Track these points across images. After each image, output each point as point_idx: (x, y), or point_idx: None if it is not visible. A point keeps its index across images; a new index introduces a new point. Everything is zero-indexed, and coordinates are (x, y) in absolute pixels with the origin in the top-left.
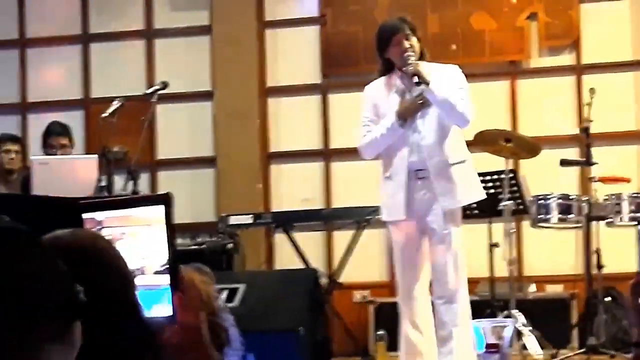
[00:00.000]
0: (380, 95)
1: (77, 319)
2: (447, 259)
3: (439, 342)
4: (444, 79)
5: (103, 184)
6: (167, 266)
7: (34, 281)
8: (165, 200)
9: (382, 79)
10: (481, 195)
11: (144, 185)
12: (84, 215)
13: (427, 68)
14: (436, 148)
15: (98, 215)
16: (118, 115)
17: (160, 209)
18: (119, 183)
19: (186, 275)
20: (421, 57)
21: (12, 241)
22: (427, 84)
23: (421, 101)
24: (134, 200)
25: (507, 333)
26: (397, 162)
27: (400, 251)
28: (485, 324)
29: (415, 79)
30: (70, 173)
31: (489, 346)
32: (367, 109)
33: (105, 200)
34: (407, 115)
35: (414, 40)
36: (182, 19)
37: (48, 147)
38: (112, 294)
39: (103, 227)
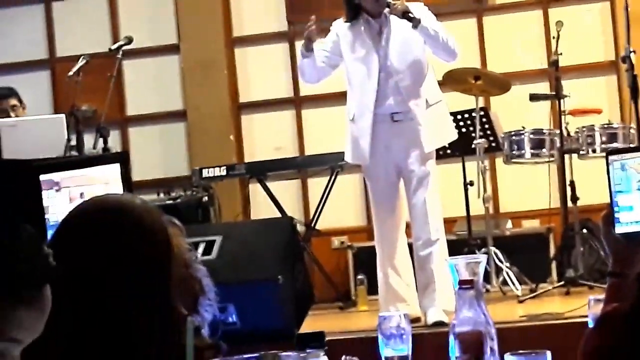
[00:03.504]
0: (346, 36)
1: (46, 283)
2: (427, 199)
3: (420, 283)
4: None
5: (72, 143)
6: None
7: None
8: (122, 158)
9: (350, 23)
10: (454, 135)
11: (114, 142)
12: (41, 177)
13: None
14: (414, 89)
15: (55, 176)
16: (84, 73)
17: (117, 167)
18: (89, 142)
19: None
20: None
21: None
22: (419, 20)
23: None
24: (91, 160)
25: (481, 268)
26: (362, 106)
27: (376, 195)
28: (459, 260)
29: (409, 15)
30: (39, 134)
31: (462, 282)
32: (328, 38)
33: (62, 161)
34: (304, 45)
35: None
36: None
37: (0, 112)
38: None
39: (61, 188)
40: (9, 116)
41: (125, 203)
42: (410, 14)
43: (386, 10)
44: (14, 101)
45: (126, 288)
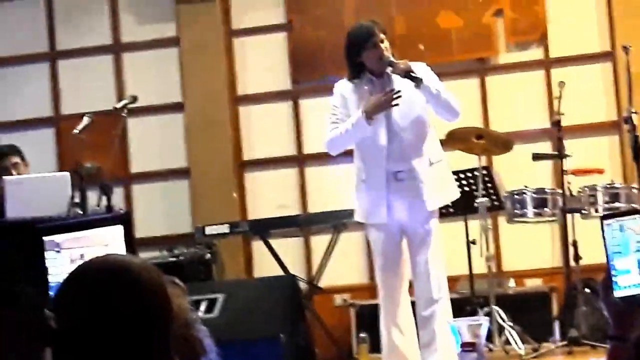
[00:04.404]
0: (351, 95)
1: (46, 346)
2: (429, 258)
3: (422, 342)
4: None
5: (76, 200)
6: None
7: (5, 308)
8: (124, 219)
9: (353, 82)
10: (457, 194)
11: (118, 199)
12: (44, 238)
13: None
14: (417, 148)
15: (56, 238)
16: (89, 131)
17: (119, 228)
18: (93, 199)
19: None
20: None
21: None
22: (421, 80)
23: (388, 99)
24: (94, 221)
25: (483, 331)
26: (373, 165)
27: (380, 253)
28: (461, 322)
29: (412, 75)
30: (43, 191)
31: (465, 345)
32: (336, 104)
33: (65, 223)
34: (374, 111)
35: (387, 43)
36: (149, 32)
37: (2, 170)
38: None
39: (62, 249)
40: (11, 174)
41: (124, 263)
42: (412, 74)
43: (389, 69)
44: (15, 159)
45: (124, 346)
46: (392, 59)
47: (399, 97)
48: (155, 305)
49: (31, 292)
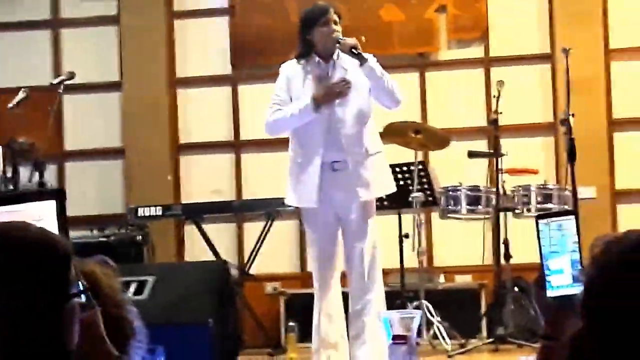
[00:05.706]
0: (296, 77)
1: None
2: (364, 249)
3: (352, 333)
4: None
5: (8, 175)
6: None
7: None
8: (58, 195)
9: (299, 62)
10: (393, 187)
11: (51, 177)
12: None
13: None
14: (356, 139)
15: None
16: (24, 106)
17: (52, 204)
18: (25, 175)
19: (88, 268)
20: None
21: None
22: (367, 59)
23: (339, 90)
24: (26, 195)
25: (415, 324)
26: (311, 150)
27: (315, 241)
28: (393, 315)
29: (355, 51)
30: None
31: (396, 337)
32: (280, 86)
33: None
34: (324, 101)
35: (339, 27)
36: (90, 9)
37: None
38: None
39: None
40: None
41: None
42: (358, 49)
43: (337, 46)
44: None
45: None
46: (340, 37)
47: (349, 88)
48: (40, 267)
49: None
